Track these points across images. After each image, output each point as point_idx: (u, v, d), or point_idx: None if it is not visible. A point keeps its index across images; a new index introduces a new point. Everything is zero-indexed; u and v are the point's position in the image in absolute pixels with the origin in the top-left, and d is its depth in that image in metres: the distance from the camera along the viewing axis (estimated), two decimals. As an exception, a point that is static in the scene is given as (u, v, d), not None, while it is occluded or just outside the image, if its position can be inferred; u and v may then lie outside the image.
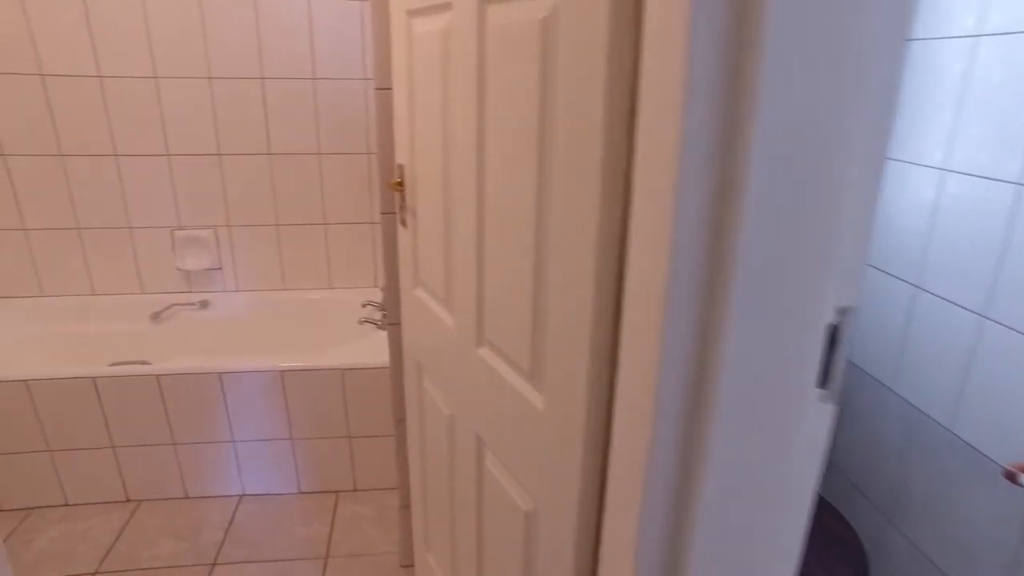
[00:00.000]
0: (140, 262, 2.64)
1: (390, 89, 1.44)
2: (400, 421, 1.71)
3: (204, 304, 2.64)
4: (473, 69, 0.97)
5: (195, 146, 2.49)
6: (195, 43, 2.36)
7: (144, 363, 2.29)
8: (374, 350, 2.17)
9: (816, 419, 0.66)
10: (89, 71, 2.36)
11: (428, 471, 1.48)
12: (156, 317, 2.64)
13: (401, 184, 1.34)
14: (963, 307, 1.37)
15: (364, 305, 2.52)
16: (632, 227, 0.65)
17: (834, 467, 1.82)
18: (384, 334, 2.29)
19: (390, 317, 1.60)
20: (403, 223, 1.38)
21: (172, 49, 2.37)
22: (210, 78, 2.41)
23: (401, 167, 1.35)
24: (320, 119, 2.50)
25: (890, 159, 1.55)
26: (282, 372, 2.08)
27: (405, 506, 1.83)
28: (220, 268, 2.67)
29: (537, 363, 0.90)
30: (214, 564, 1.97)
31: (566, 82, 0.73)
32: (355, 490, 2.28)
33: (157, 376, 2.05)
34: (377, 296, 2.66)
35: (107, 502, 2.22)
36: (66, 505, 2.21)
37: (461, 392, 1.19)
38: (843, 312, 0.62)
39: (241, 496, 2.25)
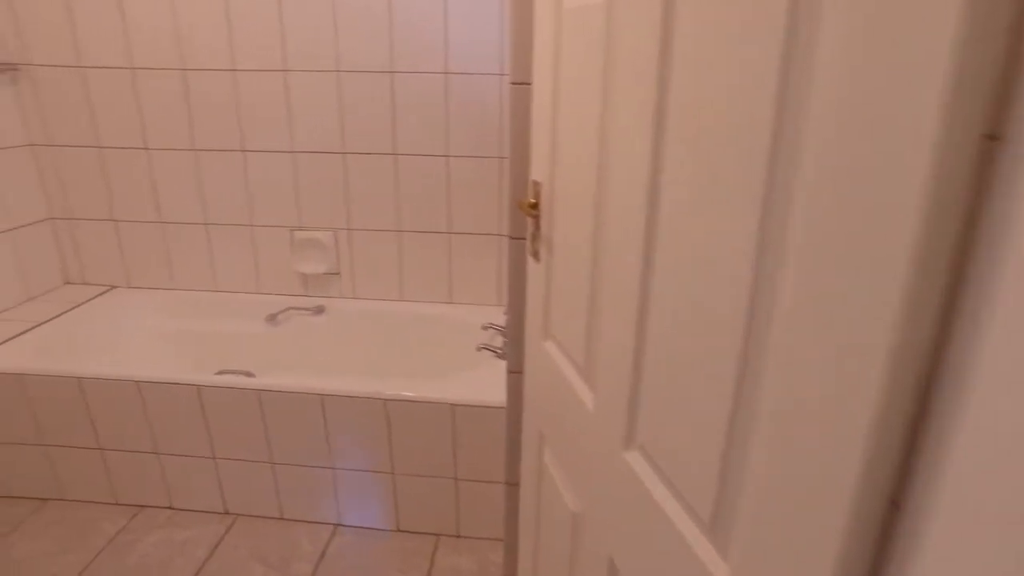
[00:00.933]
0: (260, 261, 2.54)
1: (529, 84, 1.15)
2: (512, 485, 1.42)
3: (319, 310, 2.51)
4: (652, 54, 0.65)
5: (319, 143, 2.35)
6: (326, 33, 2.21)
7: (249, 374, 2.16)
8: (491, 384, 1.90)
9: None
10: (224, 64, 2.28)
11: (541, 554, 1.18)
12: (272, 320, 2.54)
13: (535, 207, 1.04)
14: None
15: (485, 328, 2.27)
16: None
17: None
18: (504, 364, 2.02)
19: (511, 363, 1.31)
20: (535, 256, 1.08)
21: (303, 40, 2.23)
22: (338, 71, 2.25)
23: (537, 185, 1.06)
24: (450, 118, 2.27)
25: None
26: (386, 401, 1.86)
27: (511, 578, 1.54)
28: (338, 273, 2.52)
29: (725, 520, 0.57)
30: (300, 605, 1.79)
31: (862, 55, 0.39)
32: (458, 536, 2.03)
33: (259, 392, 1.90)
34: (500, 318, 2.40)
35: (207, 511, 2.12)
36: (171, 508, 2.13)
37: (594, 494, 0.88)
38: None
39: (336, 526, 2.06)
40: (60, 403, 2.03)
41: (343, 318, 2.51)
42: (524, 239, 1.21)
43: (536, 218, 1.05)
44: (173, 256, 2.57)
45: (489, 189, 2.35)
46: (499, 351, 2.12)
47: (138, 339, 2.58)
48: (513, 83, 1.18)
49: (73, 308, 2.45)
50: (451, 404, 1.83)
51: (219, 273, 2.58)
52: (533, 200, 1.05)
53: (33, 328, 2.27)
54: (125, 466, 2.10)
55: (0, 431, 2.10)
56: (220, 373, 2.21)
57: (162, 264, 2.60)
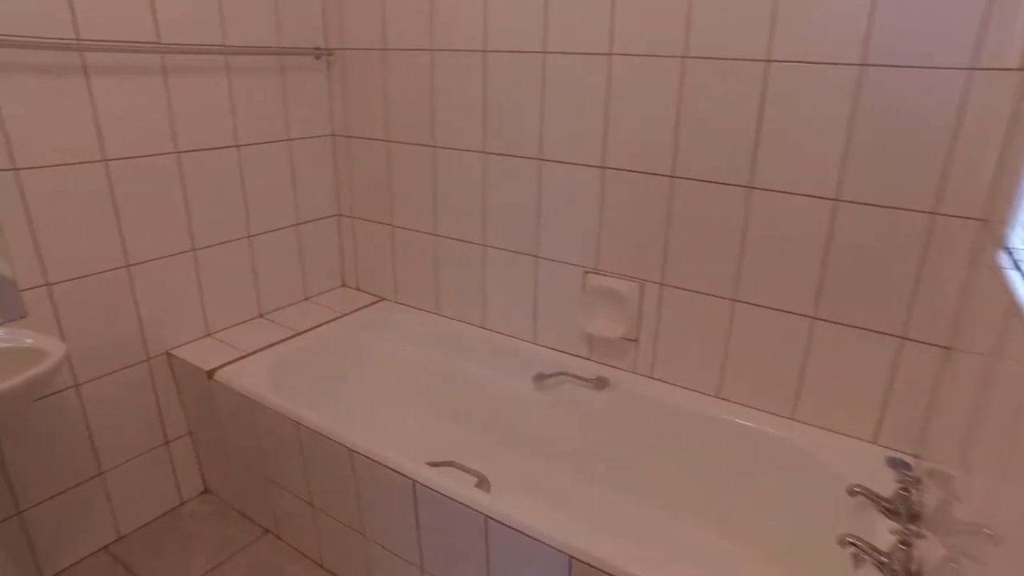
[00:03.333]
0: (539, 303, 1.96)
1: None
2: None
3: (601, 383, 1.83)
4: None
5: (641, 159, 1.65)
6: (674, 7, 1.49)
7: (483, 479, 1.57)
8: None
9: None
10: (534, 46, 1.72)
11: None
12: (540, 381, 1.95)
13: None
14: None
15: (852, 491, 1.33)
16: None
17: None
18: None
19: None
20: None
21: (636, 20, 1.55)
22: (684, 57, 1.52)
23: None
24: (854, 136, 1.38)
25: None
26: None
27: None
28: (636, 340, 1.81)
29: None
30: None
31: None
32: None
33: (485, 518, 1.29)
34: (880, 473, 1.44)
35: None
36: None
37: None
38: None
39: None
40: (281, 439, 1.69)
41: (630, 403, 1.79)
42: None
43: None
44: (441, 276, 2.14)
45: (898, 256, 1.40)
46: (871, 554, 1.16)
47: (390, 367, 2.21)
48: None
49: (338, 318, 2.16)
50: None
51: (490, 306, 2.07)
52: None
53: (293, 337, 2.01)
54: (331, 529, 1.69)
55: (236, 444, 1.86)
56: (448, 464, 1.67)
57: (428, 284, 2.18)
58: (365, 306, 2.27)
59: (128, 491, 1.90)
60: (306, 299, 2.31)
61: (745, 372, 1.65)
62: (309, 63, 2.10)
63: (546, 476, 1.93)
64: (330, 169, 2.27)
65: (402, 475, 1.41)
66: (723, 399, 1.71)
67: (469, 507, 1.31)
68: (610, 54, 1.61)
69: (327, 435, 1.54)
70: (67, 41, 1.53)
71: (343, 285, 2.44)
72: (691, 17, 1.47)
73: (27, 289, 1.58)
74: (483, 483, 1.54)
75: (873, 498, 1.30)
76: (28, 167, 1.53)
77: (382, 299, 2.33)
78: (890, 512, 1.29)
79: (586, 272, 1.84)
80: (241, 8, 1.86)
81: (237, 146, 1.95)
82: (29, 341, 1.46)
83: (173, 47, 1.72)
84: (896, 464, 1.45)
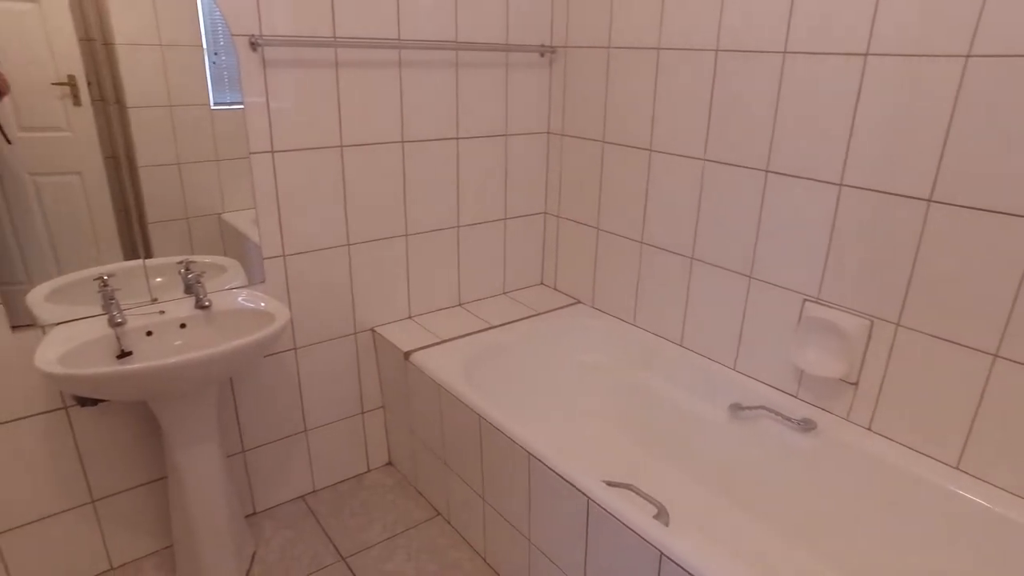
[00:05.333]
0: (747, 328, 1.79)
1: None
2: None
3: (807, 426, 1.62)
4: None
5: (884, 179, 1.42)
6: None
7: (663, 511, 1.45)
8: None
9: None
10: (774, 46, 1.55)
11: None
12: (736, 411, 1.78)
13: None
14: None
15: None
16: None
17: None
18: None
19: None
20: None
21: (908, 11, 1.32)
22: (967, 56, 1.26)
23: None
24: None
25: None
26: None
27: None
28: (855, 384, 1.57)
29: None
30: None
31: None
32: None
33: (659, 553, 1.19)
34: None
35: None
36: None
37: None
38: None
39: None
40: (463, 429, 1.72)
41: (840, 455, 1.56)
42: None
43: None
44: (643, 286, 2.04)
45: None
46: None
47: (578, 372, 2.16)
48: None
49: (533, 316, 2.16)
50: None
51: (690, 324, 1.93)
52: None
53: (488, 329, 2.04)
54: (497, 525, 1.69)
55: (422, 425, 1.94)
56: (626, 487, 1.57)
57: (628, 292, 2.09)
58: (561, 307, 2.25)
59: (325, 451, 2.06)
60: (504, 293, 2.34)
61: (1000, 445, 1.35)
62: (533, 60, 2.12)
63: (730, 517, 1.76)
64: (542, 167, 2.28)
65: (578, 490, 1.35)
66: (963, 471, 1.42)
67: (644, 539, 1.22)
68: (866, 54, 1.40)
69: (508, 435, 1.53)
70: (326, 39, 1.68)
71: (541, 283, 2.44)
72: (984, 5, 1.22)
73: (268, 258, 1.77)
74: (662, 514, 1.43)
75: None
76: (282, 150, 1.70)
77: (578, 302, 2.30)
78: None
79: (805, 300, 1.63)
80: (474, 5, 1.92)
81: (456, 138, 2.02)
82: (263, 304, 1.62)
83: (410, 43, 1.82)
84: None
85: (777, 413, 1.68)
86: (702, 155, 1.78)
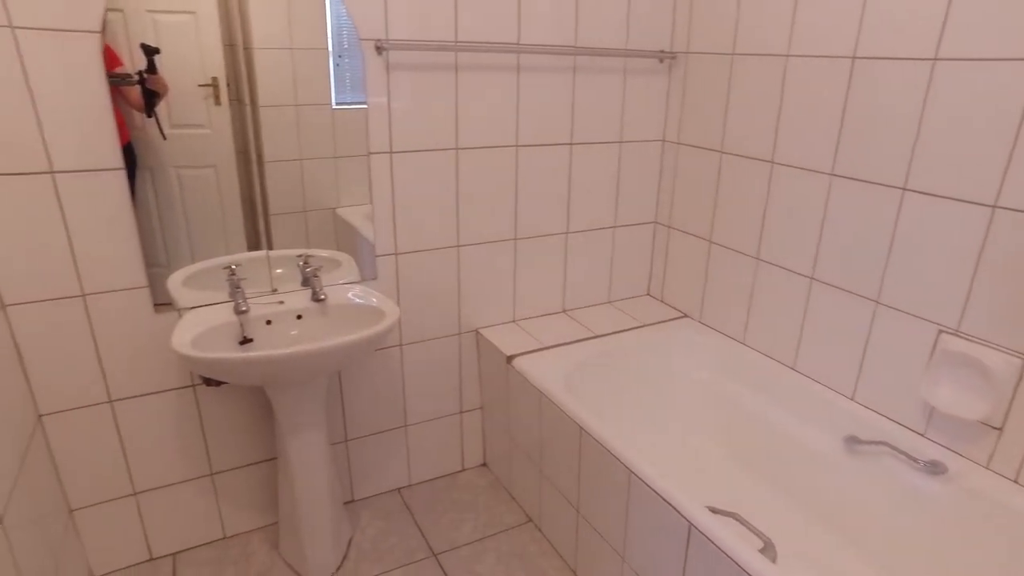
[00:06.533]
0: (869, 357, 1.66)
1: None
2: None
3: (936, 468, 1.48)
4: None
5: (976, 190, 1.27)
6: None
7: (768, 544, 1.37)
8: None
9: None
10: (924, 51, 1.43)
11: None
12: (852, 445, 1.66)
13: None
14: None
15: None
16: None
17: None
18: None
19: None
20: None
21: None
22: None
23: None
24: None
25: None
26: None
27: None
28: (999, 429, 1.42)
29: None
30: None
31: None
32: None
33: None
34: None
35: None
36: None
37: None
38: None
39: None
40: (562, 438, 1.70)
41: (976, 505, 1.42)
42: None
43: None
44: (755, 304, 1.94)
45: None
46: None
47: (683, 389, 2.09)
48: None
49: (638, 327, 2.11)
50: None
51: (805, 347, 1.82)
52: None
53: (591, 339, 2.02)
54: (590, 540, 1.66)
55: (520, 429, 1.95)
56: (731, 515, 1.49)
57: (739, 309, 2.00)
58: (667, 320, 2.18)
59: (423, 446, 2.11)
60: (609, 302, 2.31)
61: None
62: (651, 66, 2.07)
63: (841, 557, 1.64)
64: (655, 175, 2.22)
65: (680, 514, 1.30)
66: None
67: (749, 573, 1.15)
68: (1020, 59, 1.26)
69: (609, 449, 1.50)
70: (448, 43, 1.71)
71: (647, 294, 2.39)
72: None
73: (381, 255, 1.82)
74: (768, 548, 1.35)
75: None
76: (400, 151, 1.75)
77: (685, 315, 2.22)
78: None
79: (941, 331, 1.49)
80: (594, 10, 1.90)
81: (571, 144, 2.01)
82: (375, 301, 1.67)
83: (529, 47, 1.82)
84: None
85: (900, 451, 1.55)
86: (830, 169, 1.67)
